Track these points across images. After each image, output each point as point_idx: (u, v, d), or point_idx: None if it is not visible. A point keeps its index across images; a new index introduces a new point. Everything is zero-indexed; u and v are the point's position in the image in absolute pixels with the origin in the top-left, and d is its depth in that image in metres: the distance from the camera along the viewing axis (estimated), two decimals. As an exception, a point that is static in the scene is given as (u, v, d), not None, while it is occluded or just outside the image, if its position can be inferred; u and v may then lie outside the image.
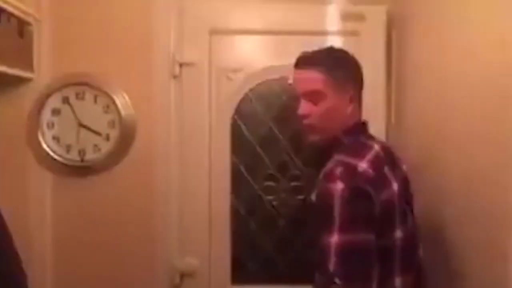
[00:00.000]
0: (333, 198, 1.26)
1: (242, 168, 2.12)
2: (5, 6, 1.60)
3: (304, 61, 1.45)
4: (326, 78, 1.40)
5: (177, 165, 2.05)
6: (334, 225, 1.25)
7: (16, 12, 1.69)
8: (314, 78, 1.41)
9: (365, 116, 1.52)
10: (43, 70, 1.92)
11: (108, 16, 1.96)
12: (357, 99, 1.47)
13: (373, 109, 1.89)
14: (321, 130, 1.43)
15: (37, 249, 1.92)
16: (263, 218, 2.15)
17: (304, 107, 1.43)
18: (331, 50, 1.49)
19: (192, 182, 2.06)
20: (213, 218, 2.08)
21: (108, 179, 1.98)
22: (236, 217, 2.12)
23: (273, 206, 2.14)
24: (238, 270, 2.12)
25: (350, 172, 1.29)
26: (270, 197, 2.14)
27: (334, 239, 1.24)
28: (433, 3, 1.73)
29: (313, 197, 1.36)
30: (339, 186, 1.27)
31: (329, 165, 1.34)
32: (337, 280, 1.22)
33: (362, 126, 1.48)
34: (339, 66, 1.44)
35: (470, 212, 1.41)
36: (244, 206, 2.14)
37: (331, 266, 1.23)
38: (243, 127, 2.12)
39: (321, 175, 1.35)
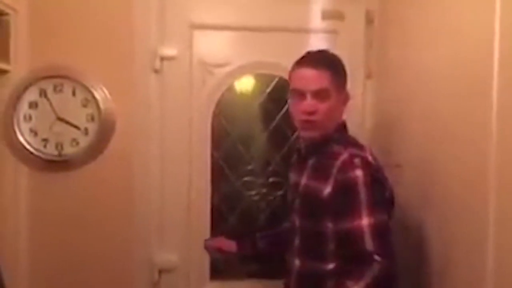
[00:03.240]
0: (357, 184, 1.37)
1: (222, 163, 2.12)
2: (-20, -5, 1.57)
3: (314, 61, 1.52)
4: (333, 78, 1.50)
5: (157, 160, 2.03)
6: (362, 209, 1.35)
7: (-8, 1, 1.65)
8: (324, 77, 1.49)
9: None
10: (20, 62, 1.87)
11: (88, 8, 1.93)
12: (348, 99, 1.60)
13: (352, 107, 1.90)
14: (322, 127, 1.51)
15: (12, 245, 1.87)
16: (242, 213, 2.15)
17: (312, 104, 1.49)
18: (329, 53, 1.59)
19: (172, 177, 2.04)
20: (193, 213, 2.07)
21: (86, 174, 1.95)
22: (216, 212, 2.11)
23: (253, 201, 2.15)
24: (217, 266, 2.11)
25: (365, 162, 1.42)
26: (250, 192, 2.15)
27: (366, 221, 1.34)
28: (413, 2, 1.77)
29: (327, 189, 1.42)
30: (360, 173, 1.38)
31: (342, 157, 1.43)
32: (377, 257, 1.30)
33: (345, 125, 1.59)
34: (340, 68, 1.56)
35: (449, 211, 1.44)
36: (224, 201, 2.13)
37: (369, 246, 1.32)
38: (224, 122, 2.12)
39: (335, 168, 1.42)
